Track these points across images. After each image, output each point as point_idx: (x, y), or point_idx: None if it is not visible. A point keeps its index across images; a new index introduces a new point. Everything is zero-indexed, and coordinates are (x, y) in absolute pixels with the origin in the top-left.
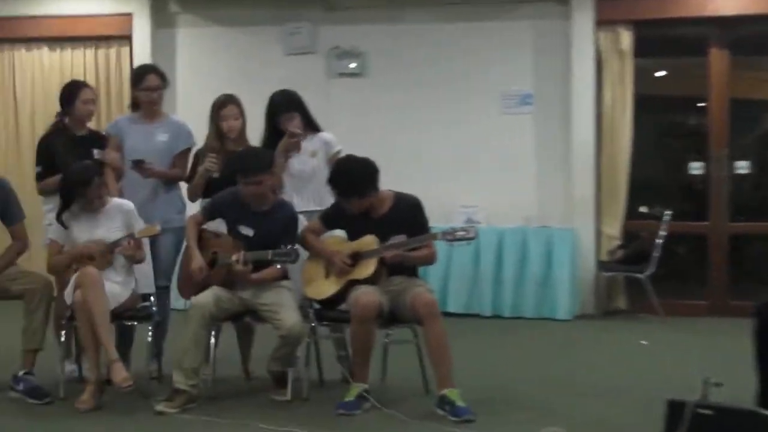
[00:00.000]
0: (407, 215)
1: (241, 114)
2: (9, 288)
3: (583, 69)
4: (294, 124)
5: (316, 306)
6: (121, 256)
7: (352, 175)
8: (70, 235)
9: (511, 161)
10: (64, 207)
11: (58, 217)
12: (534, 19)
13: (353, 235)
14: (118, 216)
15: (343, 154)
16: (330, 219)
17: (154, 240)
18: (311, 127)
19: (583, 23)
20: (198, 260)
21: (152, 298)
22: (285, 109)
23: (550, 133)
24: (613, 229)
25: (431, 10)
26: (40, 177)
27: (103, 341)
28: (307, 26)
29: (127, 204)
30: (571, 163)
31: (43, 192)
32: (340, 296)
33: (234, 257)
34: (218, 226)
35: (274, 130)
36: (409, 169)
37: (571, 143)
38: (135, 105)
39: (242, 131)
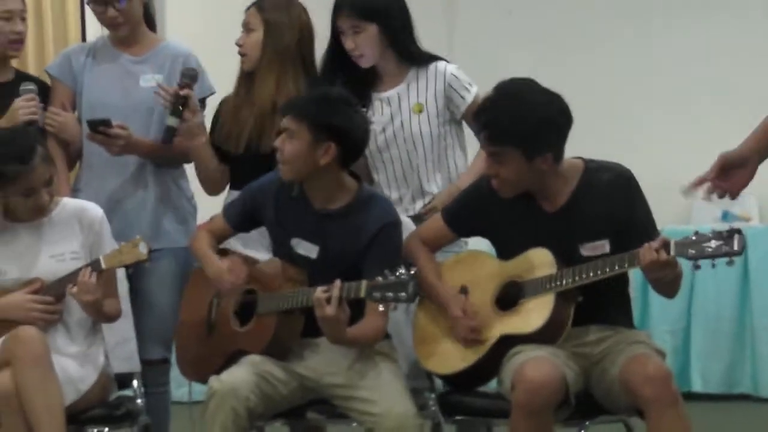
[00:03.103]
0: (607, 201)
1: (266, 25)
2: None
3: None
4: (358, 50)
5: (441, 387)
6: (76, 306)
7: (524, 108)
8: None
9: None
10: None
11: None
12: None
13: (508, 247)
14: (76, 231)
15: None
16: (461, 216)
17: (138, 274)
18: (409, 53)
19: None
20: (219, 262)
21: (136, 383)
22: (339, 8)
23: None
24: None
25: None
26: None
27: None
28: None
29: (92, 210)
30: None
31: None
32: (486, 368)
33: (321, 291)
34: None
35: (337, 50)
36: (605, 126)
37: None
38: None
39: (266, 54)
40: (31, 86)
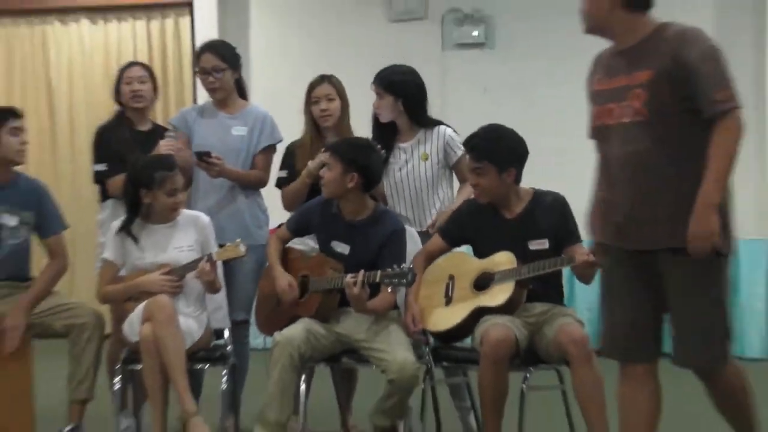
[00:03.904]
0: (549, 214)
1: (339, 96)
2: (51, 324)
3: None
4: (379, 109)
5: (433, 342)
6: (194, 284)
7: (501, 138)
8: (131, 255)
9: None
10: (133, 214)
11: (125, 228)
12: None
13: (482, 248)
14: (191, 231)
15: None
16: (452, 231)
17: (230, 263)
18: (419, 118)
19: None
20: (284, 277)
21: (227, 335)
22: (375, 77)
23: None
24: None
25: None
26: (102, 175)
27: (180, 390)
28: None
29: (202, 217)
30: (766, 160)
31: (112, 194)
32: (464, 329)
33: (350, 277)
34: (308, 244)
35: (376, 120)
36: (549, 166)
37: (765, 135)
38: None
39: (342, 118)
40: (173, 134)
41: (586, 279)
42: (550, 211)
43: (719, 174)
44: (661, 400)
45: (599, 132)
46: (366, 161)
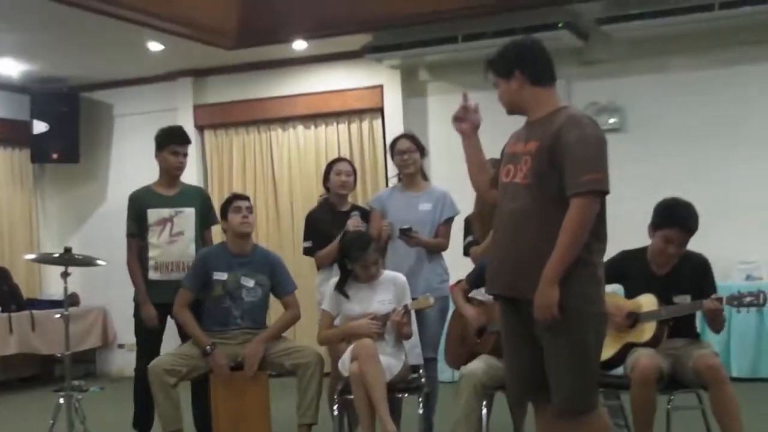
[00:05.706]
0: (693, 274)
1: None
2: (282, 363)
3: None
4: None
5: None
6: (392, 328)
7: (693, 210)
8: (343, 306)
9: None
10: (344, 275)
11: (339, 287)
12: None
13: (632, 292)
14: (391, 288)
15: None
16: (612, 273)
17: (418, 311)
18: None
19: None
20: (473, 310)
21: (421, 369)
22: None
23: None
24: None
25: (695, 57)
26: (309, 251)
27: (382, 414)
28: (561, 83)
29: (400, 277)
30: None
31: (320, 264)
32: (617, 360)
33: None
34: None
35: None
36: None
37: None
38: (400, 176)
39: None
40: (356, 213)
41: (714, 326)
42: (695, 273)
43: (564, 251)
44: None
45: (501, 188)
46: None
